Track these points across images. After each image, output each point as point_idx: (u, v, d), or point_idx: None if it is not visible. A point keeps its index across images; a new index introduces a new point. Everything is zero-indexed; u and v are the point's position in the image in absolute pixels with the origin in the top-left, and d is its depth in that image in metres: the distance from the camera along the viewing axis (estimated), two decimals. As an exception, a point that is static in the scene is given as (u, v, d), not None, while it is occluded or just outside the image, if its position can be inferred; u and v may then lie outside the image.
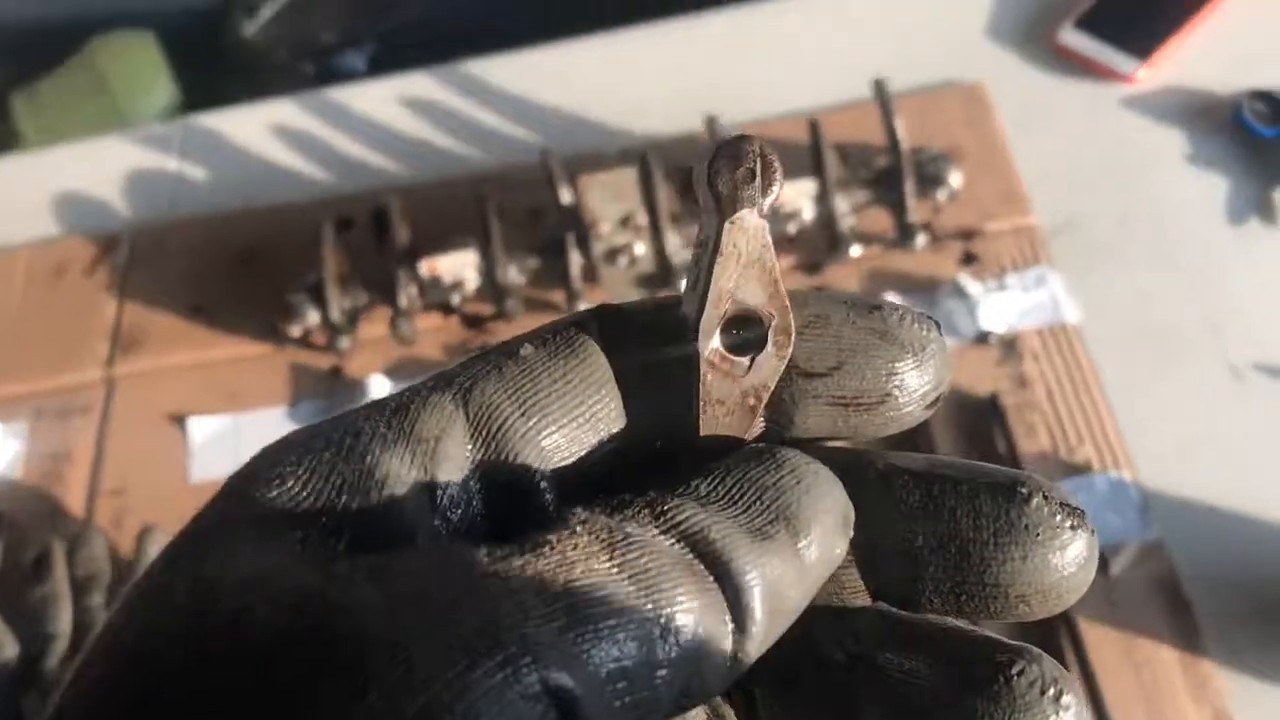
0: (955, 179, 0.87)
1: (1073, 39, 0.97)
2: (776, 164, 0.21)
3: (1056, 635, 0.72)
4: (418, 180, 1.01)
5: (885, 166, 0.89)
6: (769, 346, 0.22)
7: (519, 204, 0.96)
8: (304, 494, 0.20)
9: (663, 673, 0.19)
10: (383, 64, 1.98)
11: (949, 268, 0.88)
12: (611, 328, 0.23)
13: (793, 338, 0.22)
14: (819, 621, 0.22)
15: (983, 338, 0.84)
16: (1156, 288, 0.85)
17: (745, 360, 0.22)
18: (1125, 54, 0.95)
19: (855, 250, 0.88)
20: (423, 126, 1.04)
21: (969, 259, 0.88)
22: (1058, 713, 0.21)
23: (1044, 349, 0.83)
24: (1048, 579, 0.22)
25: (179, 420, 0.89)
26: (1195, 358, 0.82)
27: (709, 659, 0.19)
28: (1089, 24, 0.97)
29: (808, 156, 0.91)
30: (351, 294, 0.89)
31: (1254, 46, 0.95)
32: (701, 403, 0.22)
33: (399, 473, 0.20)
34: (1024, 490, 0.22)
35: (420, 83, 1.07)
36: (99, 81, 1.92)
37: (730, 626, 0.19)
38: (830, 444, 0.24)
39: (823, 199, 0.87)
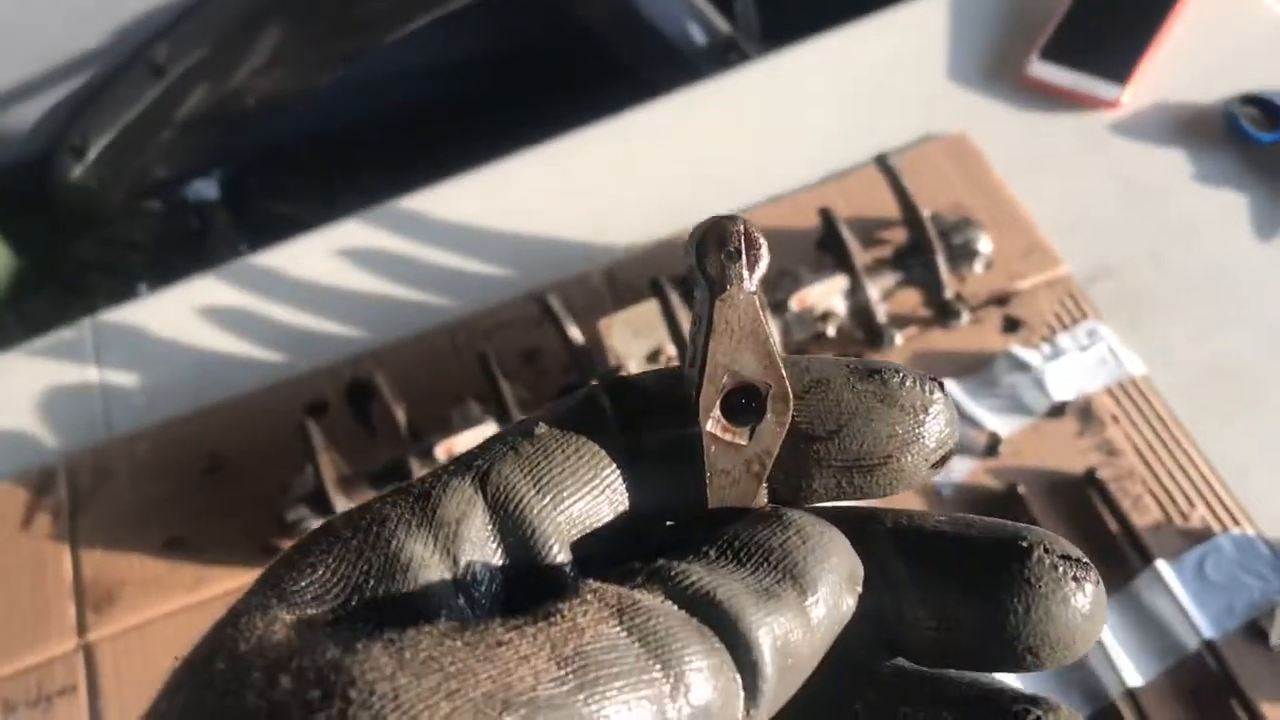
0: (986, 245, 0.82)
1: (1043, 71, 0.93)
2: (760, 239, 0.22)
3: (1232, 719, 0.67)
4: (383, 341, 0.90)
5: (906, 243, 0.83)
6: (768, 415, 0.23)
7: (511, 349, 0.87)
8: (333, 579, 0.21)
9: None
10: (239, 188, 1.85)
11: (994, 338, 0.82)
12: (622, 401, 0.24)
13: (791, 405, 0.23)
14: (841, 677, 0.23)
15: (1057, 410, 0.78)
16: (1210, 322, 0.81)
17: (746, 430, 0.23)
18: (1102, 79, 0.92)
19: (898, 339, 0.81)
20: (370, 279, 0.93)
21: (1012, 325, 0.83)
22: None
23: (1121, 409, 0.78)
24: (1053, 631, 0.22)
25: (186, 681, 0.76)
26: (1273, 388, 0.78)
27: (720, 716, 0.20)
28: (1054, 53, 0.93)
29: (807, 241, 0.84)
30: (357, 496, 0.78)
31: (1226, 50, 0.93)
32: (708, 474, 0.23)
33: (423, 556, 0.21)
34: (1024, 544, 0.22)
35: (354, 231, 0.96)
36: (-85, 257, 1.73)
37: (740, 685, 0.20)
38: (840, 504, 0.24)
39: (854, 292, 0.80)
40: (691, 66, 1.61)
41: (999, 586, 0.22)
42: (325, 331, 0.91)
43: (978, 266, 0.82)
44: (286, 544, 0.77)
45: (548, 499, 0.22)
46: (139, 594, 0.80)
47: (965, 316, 0.81)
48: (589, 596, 0.20)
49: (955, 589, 0.23)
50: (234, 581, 0.79)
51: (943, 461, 0.24)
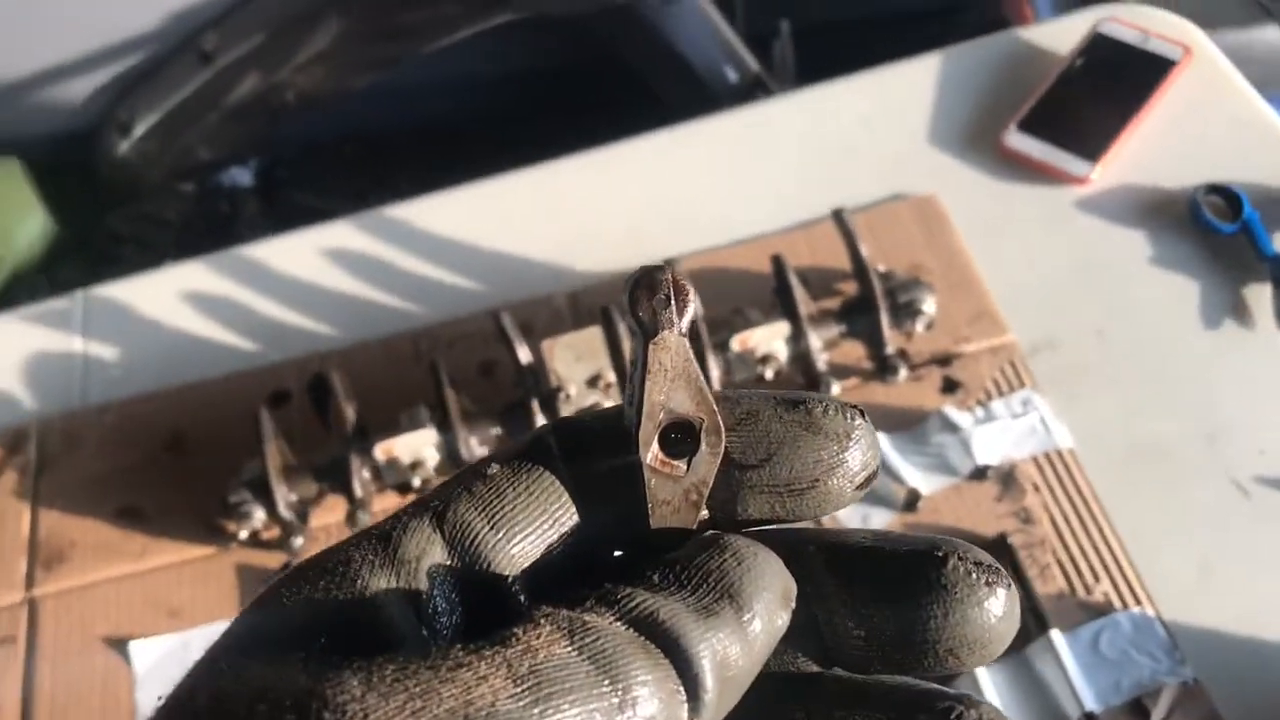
0: (930, 306, 0.84)
1: (1019, 142, 0.95)
2: (688, 287, 0.24)
3: (1105, 797, 0.69)
4: (351, 340, 0.93)
5: (854, 296, 0.85)
6: (703, 447, 0.25)
7: (469, 361, 0.90)
8: (305, 619, 0.23)
9: None
10: (272, 178, 1.91)
11: (931, 397, 0.84)
12: (569, 439, 0.26)
13: (724, 437, 0.25)
14: (780, 688, 0.25)
15: (980, 473, 0.80)
16: (1144, 403, 0.83)
17: (683, 462, 0.25)
18: (1075, 155, 0.93)
19: (835, 388, 0.83)
20: (349, 280, 0.97)
21: (951, 386, 0.85)
22: None
23: (1043, 479, 0.80)
24: (970, 632, 0.24)
25: (118, 644, 0.80)
26: (1196, 476, 0.79)
27: None
28: (1032, 126, 0.95)
29: (766, 285, 0.87)
30: (299, 486, 0.81)
31: (1198, 140, 0.95)
32: (649, 504, 0.25)
33: (388, 592, 0.23)
34: (939, 553, 0.24)
35: (340, 232, 1.00)
36: (-39, 216, 1.80)
37: (684, 697, 0.22)
38: (774, 527, 0.26)
39: (796, 339, 0.83)
40: (717, 102, 1.65)
41: (918, 594, 0.24)
42: (299, 326, 0.95)
43: (919, 326, 0.84)
44: (229, 525, 0.81)
45: (501, 534, 0.24)
46: (88, 556, 0.84)
47: (903, 373, 0.84)
48: (542, 620, 0.22)
49: (879, 599, 0.25)
50: (175, 555, 0.83)
51: (867, 483, 0.26)
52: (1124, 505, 0.78)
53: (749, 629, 0.23)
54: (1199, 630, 0.73)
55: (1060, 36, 1.01)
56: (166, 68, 1.83)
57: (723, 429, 0.25)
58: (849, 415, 0.26)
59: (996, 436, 0.81)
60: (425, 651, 0.21)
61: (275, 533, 0.83)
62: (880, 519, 0.80)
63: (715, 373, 0.82)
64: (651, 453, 0.25)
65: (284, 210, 1.84)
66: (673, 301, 0.24)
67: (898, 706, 0.24)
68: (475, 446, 0.82)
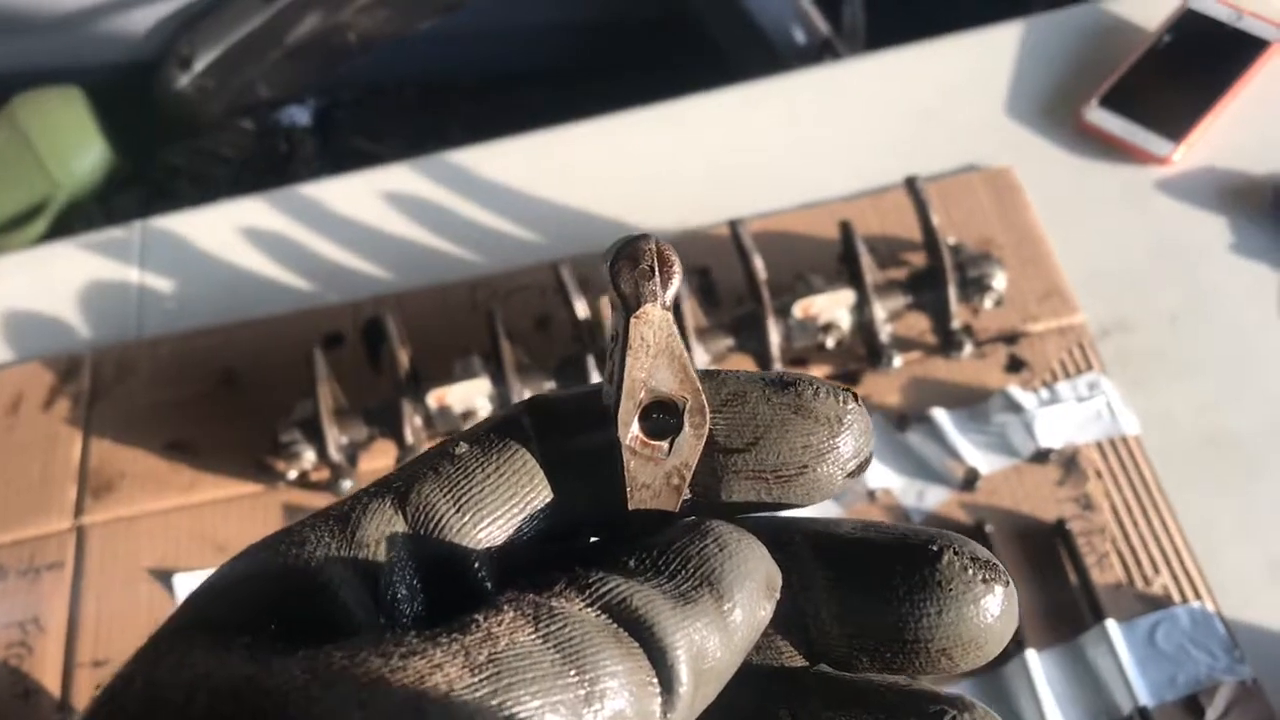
0: (1000, 282, 0.82)
1: (1100, 118, 0.92)
2: (673, 258, 0.23)
3: (1154, 792, 0.67)
4: (407, 286, 0.93)
5: (922, 268, 0.83)
6: (686, 428, 0.23)
7: (525, 312, 0.89)
8: (255, 602, 0.21)
9: None
10: (330, 120, 1.90)
11: (995, 375, 0.82)
12: (544, 419, 0.24)
13: (708, 418, 0.23)
14: (764, 685, 0.23)
15: (1042, 456, 0.78)
16: (1215, 393, 0.80)
17: (665, 444, 0.23)
18: (1158, 134, 0.90)
19: (897, 361, 0.82)
20: (406, 224, 0.96)
21: (1016, 365, 0.83)
22: None
23: (1106, 465, 0.78)
24: (965, 632, 0.23)
25: (163, 576, 0.80)
26: (1265, 470, 0.77)
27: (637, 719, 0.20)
28: (1114, 102, 0.92)
29: (831, 252, 0.85)
30: (350, 429, 0.81)
31: (1289, 124, 0.91)
32: (628, 487, 0.24)
33: (343, 576, 0.22)
34: (934, 548, 0.23)
35: (399, 175, 0.99)
36: (22, 141, 1.81)
37: (657, 689, 0.20)
38: (760, 514, 0.25)
39: (861, 308, 0.81)
40: (784, 63, 1.62)
41: (912, 590, 0.23)
42: (355, 268, 0.94)
43: (988, 302, 0.82)
44: (278, 464, 0.81)
45: (467, 517, 0.23)
46: (136, 487, 0.84)
47: (968, 349, 0.82)
48: (505, 606, 0.20)
49: (870, 594, 0.23)
50: (222, 491, 0.83)
51: (859, 470, 0.25)
52: (1189, 497, 0.76)
53: (729, 619, 0.22)
54: (1260, 629, 0.71)
55: (1149, 10, 0.98)
56: (230, 3, 1.83)
57: (707, 409, 0.23)
58: (841, 399, 0.24)
59: (1060, 419, 0.79)
60: (378, 638, 0.20)
61: (324, 474, 0.82)
62: (936, 496, 0.78)
63: (775, 338, 0.80)
64: (631, 433, 0.23)
65: (340, 152, 1.84)
66: (656, 273, 0.23)
67: (887, 708, 0.23)
68: (528, 399, 0.81)
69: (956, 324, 0.81)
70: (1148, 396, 0.80)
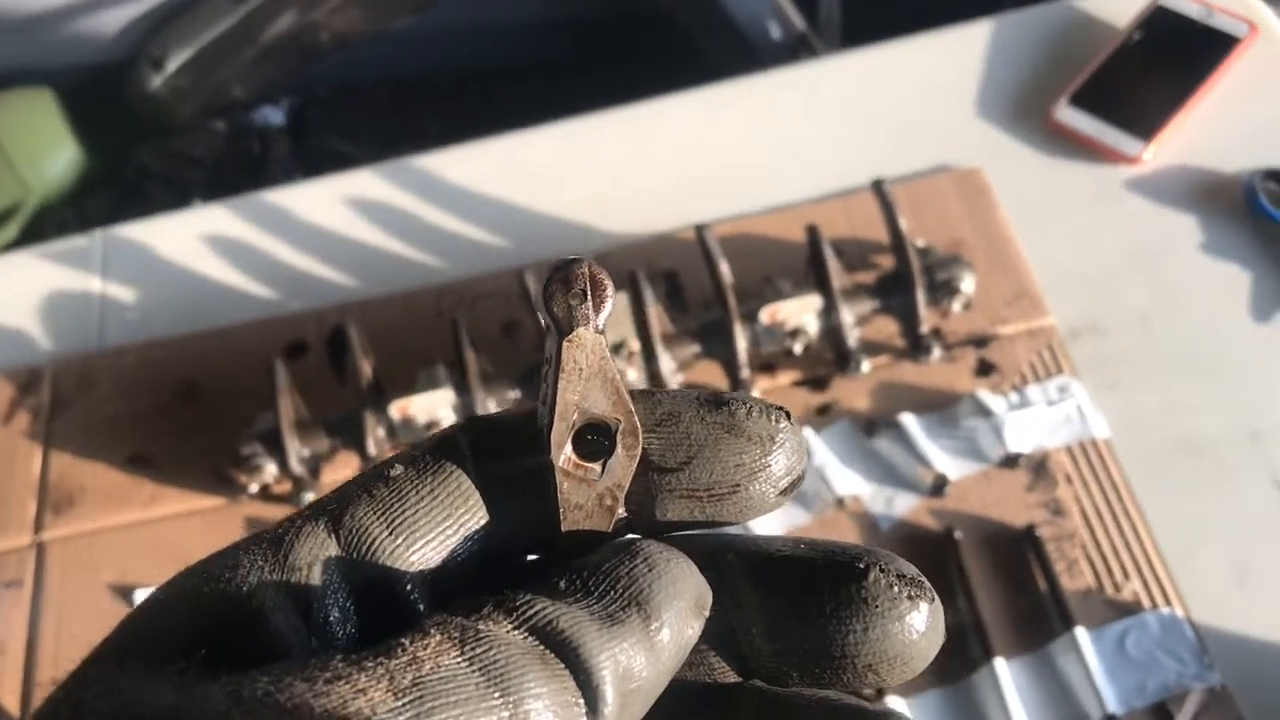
0: (969, 285, 0.81)
1: (1070, 117, 0.91)
2: (606, 282, 0.23)
3: (1124, 802, 0.67)
4: (371, 293, 0.91)
5: (890, 271, 0.82)
6: (619, 450, 0.23)
7: (491, 320, 0.88)
8: (185, 629, 0.21)
9: None
10: (304, 120, 1.88)
11: (964, 379, 0.82)
12: (481, 439, 0.24)
13: (640, 439, 0.24)
14: (695, 702, 0.23)
15: (1011, 461, 0.77)
16: (1187, 396, 0.80)
17: (598, 465, 0.23)
18: (1127, 133, 0.90)
19: (865, 366, 0.81)
20: (372, 230, 0.95)
21: (985, 369, 0.82)
22: None
23: (1076, 470, 0.77)
24: (891, 648, 0.23)
25: (124, 592, 0.79)
26: (1237, 475, 0.76)
27: None
28: (1084, 101, 0.92)
29: (799, 255, 0.84)
30: (312, 441, 0.80)
31: (1259, 123, 0.91)
32: (561, 508, 0.24)
33: (275, 601, 0.22)
34: (861, 565, 0.23)
35: (364, 181, 0.98)
36: (-8, 145, 1.79)
37: (582, 710, 0.20)
38: (694, 533, 0.25)
39: (828, 313, 0.80)
40: (760, 60, 1.61)
41: (839, 607, 0.23)
42: (320, 275, 0.93)
43: (957, 305, 0.81)
44: (239, 477, 0.80)
45: (400, 540, 0.23)
46: (97, 502, 0.83)
47: (937, 353, 0.81)
48: (432, 630, 0.21)
49: (799, 611, 0.23)
50: (184, 505, 0.82)
51: (791, 488, 0.25)
52: (1159, 501, 0.76)
53: (656, 639, 0.22)
54: (1230, 635, 0.71)
55: (1118, 7, 0.97)
56: (202, 3, 1.81)
57: (639, 430, 0.24)
58: (774, 417, 0.24)
59: (1030, 423, 0.79)
60: (304, 663, 0.20)
61: (286, 487, 0.81)
62: (905, 503, 0.77)
63: (742, 344, 0.79)
64: (564, 455, 0.23)
65: (315, 153, 1.82)
66: (589, 297, 0.23)
67: None
68: (493, 409, 0.80)
69: (925, 328, 0.81)
70: (1118, 399, 0.80)
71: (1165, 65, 0.93)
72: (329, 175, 0.98)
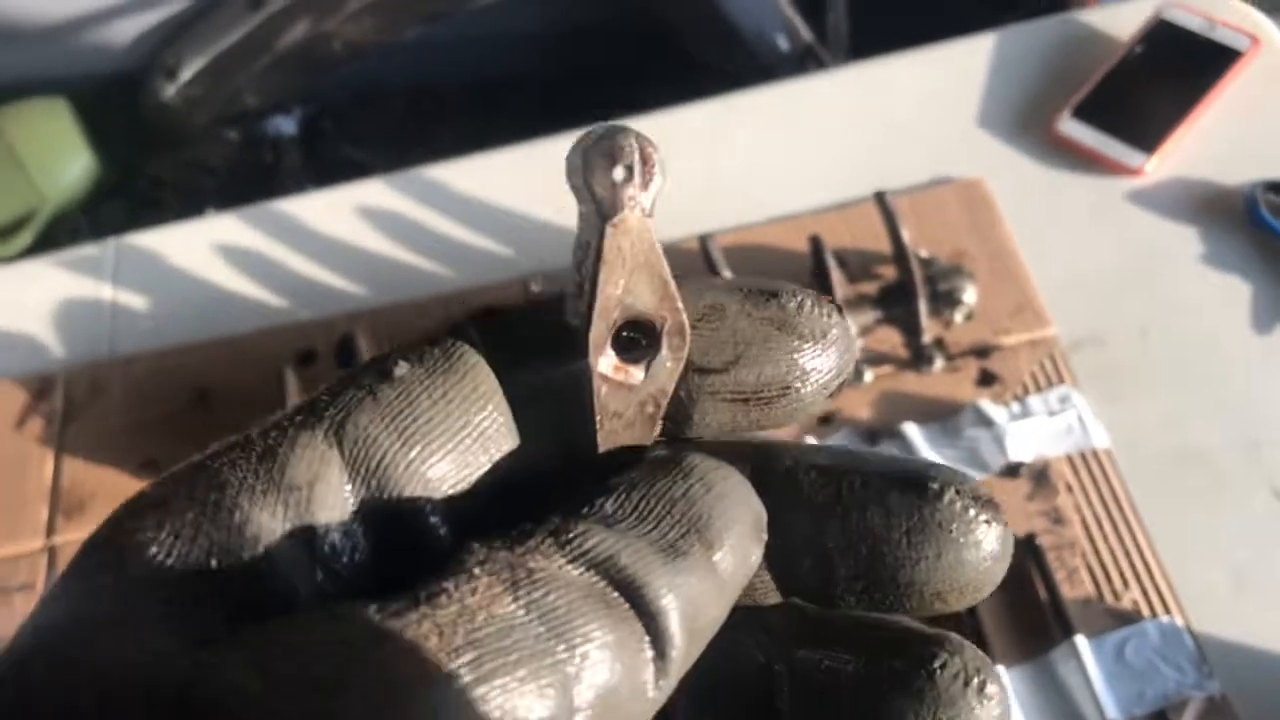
0: (971, 296, 0.82)
1: (1072, 129, 0.92)
2: (655, 157, 0.20)
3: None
4: (381, 302, 0.93)
5: (892, 282, 0.83)
6: (663, 351, 0.21)
7: (496, 330, 0.89)
8: (167, 562, 0.18)
9: (582, 717, 0.17)
10: (316, 129, 1.90)
11: (966, 389, 0.82)
12: (494, 337, 0.21)
13: (688, 338, 0.21)
14: (732, 622, 0.21)
15: (1012, 470, 0.78)
16: (1187, 407, 0.80)
17: (640, 369, 0.21)
18: (1129, 145, 0.90)
19: (868, 376, 0.82)
20: (381, 240, 0.96)
21: (987, 379, 0.82)
22: (982, 704, 0.20)
23: (1077, 479, 0.78)
24: (963, 575, 0.21)
25: (134, 596, 0.80)
26: (1236, 485, 0.77)
27: (631, 694, 0.18)
28: (1087, 113, 0.92)
29: (805, 266, 0.85)
30: (321, 447, 0.81)
31: (1260, 136, 0.91)
32: (598, 418, 0.21)
33: (272, 527, 0.19)
34: (935, 485, 0.21)
35: (374, 190, 0.99)
36: (8, 153, 1.81)
37: (650, 654, 0.18)
38: (734, 440, 0.23)
39: (831, 323, 0.81)
40: (766, 72, 1.62)
41: (910, 531, 0.21)
42: (330, 284, 0.94)
43: (959, 315, 0.82)
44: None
45: (414, 452, 0.20)
46: (108, 507, 0.83)
47: (939, 363, 0.82)
48: (477, 570, 0.18)
49: (860, 534, 0.21)
50: (194, 510, 0.83)
51: (839, 389, 0.23)
52: (1159, 511, 0.76)
53: (721, 569, 0.19)
54: (1229, 644, 0.71)
55: (1122, 20, 0.98)
56: (215, 13, 1.83)
57: (688, 330, 0.21)
58: (826, 312, 0.22)
59: (1031, 433, 0.79)
60: (333, 616, 0.17)
61: (295, 493, 0.82)
62: (907, 512, 0.78)
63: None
64: (604, 357, 0.21)
65: (327, 162, 1.84)
66: (637, 174, 0.20)
67: (870, 649, 0.21)
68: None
69: (927, 338, 0.81)
70: (1119, 409, 0.80)
71: (1167, 78, 0.94)
72: (339, 185, 1.00)
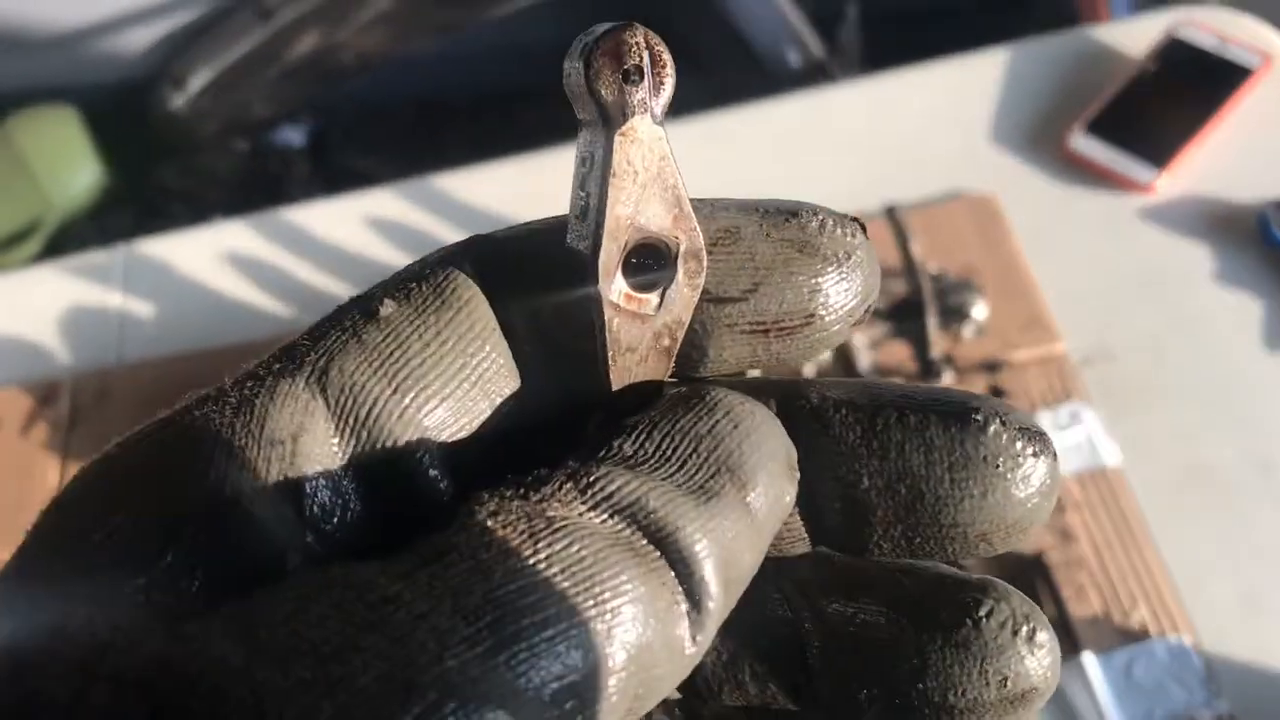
0: (980, 311, 0.81)
1: (1084, 145, 0.92)
2: (666, 56, 0.18)
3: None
4: (389, 311, 0.92)
5: (902, 296, 0.83)
6: (679, 276, 0.19)
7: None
8: (139, 528, 0.16)
9: (615, 680, 0.15)
10: (324, 140, 1.90)
11: (975, 404, 0.82)
12: (489, 266, 0.19)
13: (705, 263, 0.19)
14: (756, 576, 0.18)
15: (1021, 486, 0.78)
16: (1198, 425, 0.80)
17: (654, 296, 0.19)
18: (1142, 162, 0.90)
19: (876, 390, 0.81)
20: (388, 248, 0.96)
21: (996, 394, 0.82)
22: (1033, 652, 0.19)
23: (1085, 497, 0.77)
24: (1011, 514, 0.19)
25: (137, 604, 0.80)
26: (1248, 505, 0.76)
27: (666, 652, 0.16)
28: (1099, 129, 0.92)
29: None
30: (327, 455, 0.81)
31: (1272, 153, 0.91)
32: (609, 352, 0.19)
33: (254, 486, 0.17)
34: (979, 417, 0.19)
35: (382, 200, 0.99)
36: (17, 161, 1.81)
37: (685, 607, 0.16)
38: (751, 375, 0.20)
39: (840, 336, 0.80)
40: (779, 84, 1.62)
41: (952, 467, 0.19)
42: (336, 292, 0.94)
43: (968, 330, 0.81)
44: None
45: (408, 399, 0.18)
46: (113, 514, 0.84)
47: (947, 377, 0.81)
48: (489, 522, 0.16)
49: (898, 472, 0.19)
50: (199, 518, 0.83)
51: (864, 317, 0.21)
52: (1169, 530, 0.76)
53: (755, 511, 0.17)
54: (1238, 664, 0.71)
55: (1134, 37, 0.98)
56: (225, 22, 1.83)
57: (704, 253, 0.19)
58: (849, 230, 0.20)
59: (1040, 449, 0.79)
60: (326, 580, 0.15)
61: (300, 502, 0.82)
62: (915, 527, 0.78)
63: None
64: (614, 284, 0.19)
65: (334, 172, 1.84)
66: (648, 75, 0.17)
67: (909, 599, 0.19)
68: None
69: (937, 352, 0.81)
70: (1129, 426, 0.80)
71: (1179, 95, 0.93)
72: (347, 194, 1.00)
